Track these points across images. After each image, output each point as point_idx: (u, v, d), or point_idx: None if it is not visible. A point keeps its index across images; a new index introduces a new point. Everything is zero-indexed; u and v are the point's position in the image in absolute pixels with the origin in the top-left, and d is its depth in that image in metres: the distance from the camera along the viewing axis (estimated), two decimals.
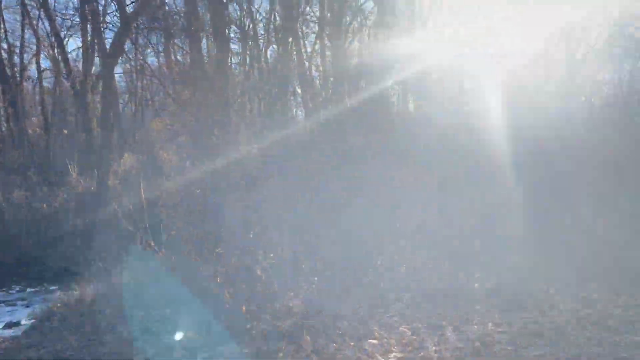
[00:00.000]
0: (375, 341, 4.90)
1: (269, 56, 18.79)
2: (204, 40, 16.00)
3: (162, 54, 19.69)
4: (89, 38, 16.86)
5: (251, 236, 6.49)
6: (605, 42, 16.42)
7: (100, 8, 17.11)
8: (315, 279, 6.55)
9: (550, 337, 4.90)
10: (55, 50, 18.17)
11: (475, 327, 5.17)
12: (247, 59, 18.85)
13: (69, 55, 18.43)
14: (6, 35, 18.49)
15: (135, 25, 15.73)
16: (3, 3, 18.21)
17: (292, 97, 16.85)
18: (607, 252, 7.20)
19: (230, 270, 5.77)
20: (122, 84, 22.58)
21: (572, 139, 11.47)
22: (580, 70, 16.61)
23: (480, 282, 6.50)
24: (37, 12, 18.12)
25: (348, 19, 16.41)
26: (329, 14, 15.07)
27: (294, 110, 17.97)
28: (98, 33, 15.91)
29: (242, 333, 4.80)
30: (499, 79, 13.05)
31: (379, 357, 4.55)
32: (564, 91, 15.76)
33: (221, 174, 8.99)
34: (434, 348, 4.70)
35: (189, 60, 14.03)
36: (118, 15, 15.92)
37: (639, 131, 12.01)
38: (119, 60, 17.01)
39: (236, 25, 17.61)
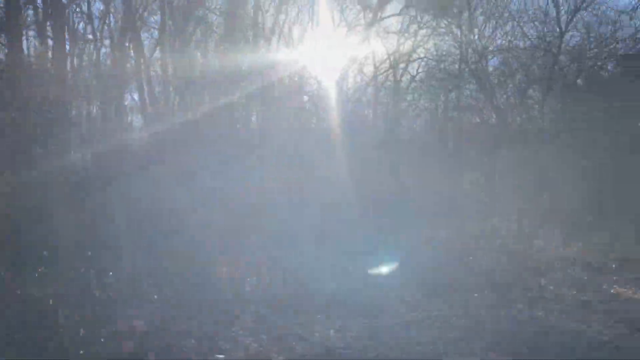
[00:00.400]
0: (221, 356, 4.88)
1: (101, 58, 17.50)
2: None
3: None
4: None
5: (89, 254, 5.99)
6: (425, 74, 18.67)
7: None
8: (155, 296, 6.31)
9: (382, 339, 5.39)
10: None
11: (318, 335, 5.45)
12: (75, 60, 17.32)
13: None
14: None
15: None
16: None
17: (127, 103, 15.88)
18: (428, 259, 8.12)
19: (66, 290, 5.25)
20: None
21: (390, 158, 12.85)
22: (405, 96, 18.57)
23: (322, 290, 6.84)
24: None
25: (191, 28, 16.03)
26: (170, 22, 14.62)
27: (129, 117, 16.96)
28: None
29: (77, 358, 4.39)
30: (337, 97, 14.04)
31: None
32: (392, 113, 17.50)
33: (46, 183, 8.16)
34: (280, 358, 4.85)
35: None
36: None
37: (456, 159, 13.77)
38: None
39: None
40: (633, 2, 17.08)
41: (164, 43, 14.67)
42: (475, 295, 6.98)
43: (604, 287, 7.71)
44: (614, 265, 8.96)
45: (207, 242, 8.24)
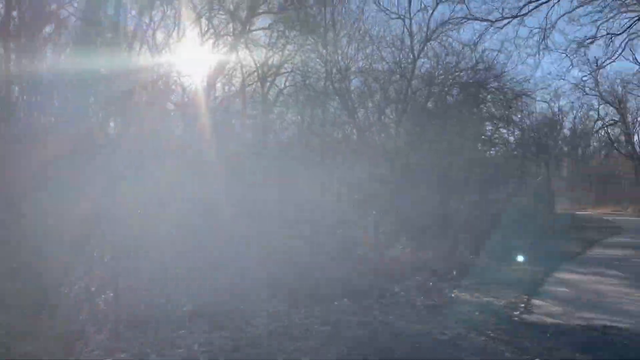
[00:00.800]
0: None
1: None
2: None
3: None
4: None
5: None
6: (293, 88, 19.20)
7: None
8: None
9: (246, 350, 5.42)
10: None
11: (181, 350, 5.30)
12: None
13: None
14: None
15: None
16: None
17: None
18: (293, 270, 8.31)
19: None
20: None
21: (258, 169, 13.02)
22: (273, 108, 18.87)
23: (185, 304, 6.65)
24: None
25: (42, 24, 14.64)
26: (15, 14, 13.22)
27: None
28: None
29: None
30: (204, 106, 13.80)
31: None
32: (260, 125, 17.65)
33: None
34: None
35: None
36: None
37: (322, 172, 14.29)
38: None
39: None
40: (474, 38, 19.36)
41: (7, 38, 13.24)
42: (335, 303, 7.32)
43: (446, 291, 8.57)
44: (454, 272, 10.00)
45: (54, 256, 7.54)
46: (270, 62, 17.85)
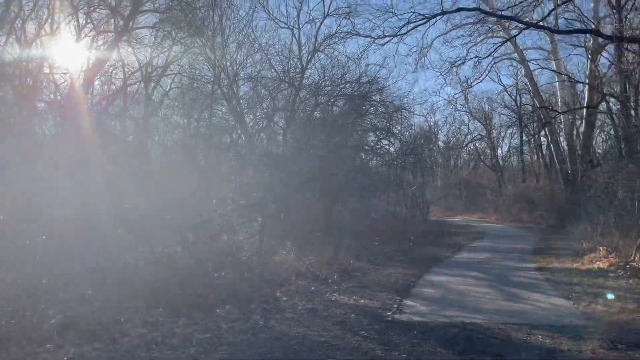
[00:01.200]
0: None
1: None
2: None
3: None
4: None
5: None
6: (179, 90, 18.71)
7: None
8: None
9: None
10: None
11: None
12: None
13: None
14: None
15: None
16: None
17: None
18: (175, 277, 8.11)
19: None
20: None
21: (140, 172, 12.54)
22: (157, 110, 18.24)
23: (51, 317, 6.21)
24: None
25: None
26: None
27: None
28: None
29: None
30: (81, 105, 12.99)
31: None
32: (143, 126, 16.97)
33: None
34: None
35: None
36: None
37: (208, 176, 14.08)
38: None
39: None
40: (359, 52, 20.33)
41: None
42: (217, 310, 7.29)
43: (327, 295, 8.92)
44: (335, 276, 10.43)
45: None
46: (155, 62, 17.25)
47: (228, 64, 16.92)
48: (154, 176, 13.09)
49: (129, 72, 16.87)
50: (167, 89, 18.76)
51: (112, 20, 14.78)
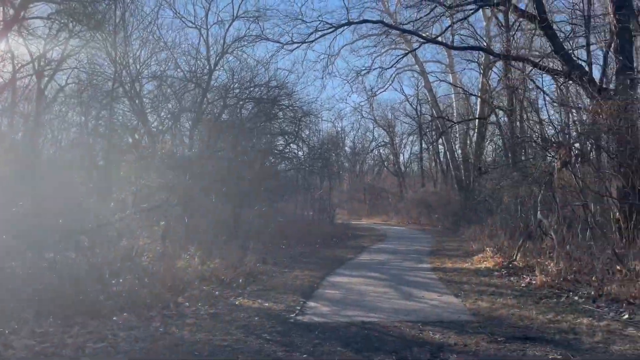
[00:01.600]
0: None
1: None
2: None
3: None
4: None
5: None
6: (76, 86, 17.69)
7: None
8: None
9: None
10: None
11: None
12: None
13: None
14: None
15: None
16: None
17: None
18: (68, 285, 7.65)
19: None
20: None
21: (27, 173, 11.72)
22: (51, 107, 17.10)
23: None
24: None
25: None
26: None
27: None
28: None
29: None
30: None
31: None
32: (34, 124, 15.83)
33: None
34: None
35: None
36: None
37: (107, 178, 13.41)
38: None
39: None
40: (268, 56, 20.40)
41: None
42: (114, 318, 7.01)
43: (231, 299, 8.88)
44: (241, 280, 10.40)
45: None
46: (49, 55, 16.15)
47: (131, 61, 16.28)
48: (45, 177, 12.25)
49: (19, 65, 15.65)
50: (62, 85, 17.64)
51: (1, 8, 13.62)
